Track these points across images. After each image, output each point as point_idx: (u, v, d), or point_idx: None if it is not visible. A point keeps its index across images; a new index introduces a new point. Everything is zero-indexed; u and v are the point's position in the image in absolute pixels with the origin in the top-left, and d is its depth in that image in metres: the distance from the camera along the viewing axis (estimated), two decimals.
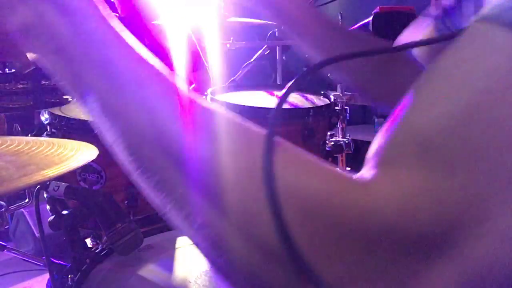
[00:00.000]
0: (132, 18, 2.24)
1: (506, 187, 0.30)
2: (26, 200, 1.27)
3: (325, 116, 1.36)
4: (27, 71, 0.47)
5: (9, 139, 0.76)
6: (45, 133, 1.15)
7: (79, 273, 0.88)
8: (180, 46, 2.24)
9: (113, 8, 2.24)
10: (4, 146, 0.72)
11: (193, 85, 2.33)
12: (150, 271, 0.91)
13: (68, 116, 1.15)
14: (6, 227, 1.13)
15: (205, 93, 1.38)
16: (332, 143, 1.51)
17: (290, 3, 0.82)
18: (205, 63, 2.22)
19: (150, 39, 2.21)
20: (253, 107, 1.26)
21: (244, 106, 1.25)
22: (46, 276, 1.00)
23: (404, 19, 1.42)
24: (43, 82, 1.02)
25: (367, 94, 0.92)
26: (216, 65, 2.08)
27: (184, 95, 0.39)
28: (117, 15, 2.22)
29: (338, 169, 0.39)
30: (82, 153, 0.74)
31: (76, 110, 1.23)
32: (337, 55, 0.46)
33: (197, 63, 2.32)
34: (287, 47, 2.37)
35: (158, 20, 2.10)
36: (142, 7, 2.21)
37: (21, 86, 0.98)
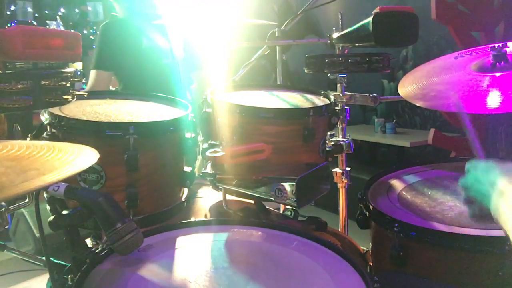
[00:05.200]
0: (133, 19, 2.23)
1: None
2: (26, 200, 1.27)
3: (325, 116, 1.36)
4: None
5: (10, 143, 0.76)
6: (45, 133, 1.15)
7: (79, 273, 0.88)
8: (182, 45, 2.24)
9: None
10: (4, 151, 0.72)
11: (193, 85, 2.33)
12: (150, 271, 0.91)
13: (68, 116, 1.15)
14: (6, 227, 1.13)
15: (205, 93, 1.38)
16: (332, 143, 1.51)
17: None
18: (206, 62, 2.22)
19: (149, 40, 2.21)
20: (253, 107, 1.26)
21: (244, 106, 1.25)
22: (46, 276, 1.00)
23: (404, 19, 1.42)
24: (43, 82, 1.02)
25: None
26: (216, 65, 2.08)
27: None
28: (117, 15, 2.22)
29: None
30: (82, 157, 0.74)
31: (76, 110, 1.23)
32: None
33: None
34: (287, 47, 2.37)
35: (160, 20, 2.10)
36: (143, 8, 2.21)
37: (21, 86, 0.98)
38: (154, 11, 2.17)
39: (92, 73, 2.17)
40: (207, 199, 1.49)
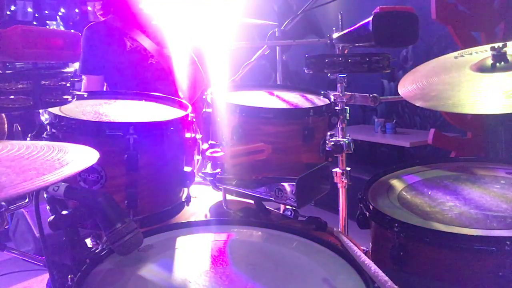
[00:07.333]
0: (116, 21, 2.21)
1: None
2: (26, 200, 1.27)
3: (325, 116, 1.36)
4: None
5: (9, 143, 0.76)
6: (45, 133, 1.15)
7: (79, 273, 0.88)
8: (175, 42, 2.24)
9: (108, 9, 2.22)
10: (4, 151, 0.72)
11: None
12: (150, 271, 0.91)
13: (68, 116, 1.15)
14: (6, 227, 1.13)
15: (205, 93, 1.38)
16: (332, 143, 1.51)
17: None
18: (201, 61, 2.21)
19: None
20: (253, 107, 1.26)
21: (244, 106, 1.25)
22: (46, 276, 1.00)
23: (404, 19, 1.42)
24: (43, 82, 1.02)
25: None
26: (216, 65, 2.08)
27: None
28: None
29: None
30: (82, 157, 0.74)
31: (76, 110, 1.23)
32: None
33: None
34: (287, 47, 2.36)
35: (155, 20, 2.10)
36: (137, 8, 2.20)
37: (21, 86, 0.98)
38: (141, 11, 2.16)
39: (83, 78, 2.18)
40: (204, 199, 1.49)
